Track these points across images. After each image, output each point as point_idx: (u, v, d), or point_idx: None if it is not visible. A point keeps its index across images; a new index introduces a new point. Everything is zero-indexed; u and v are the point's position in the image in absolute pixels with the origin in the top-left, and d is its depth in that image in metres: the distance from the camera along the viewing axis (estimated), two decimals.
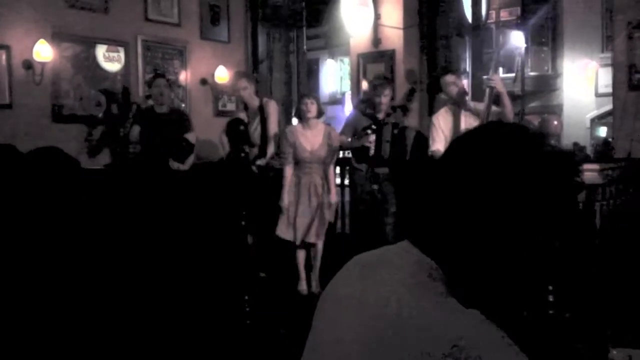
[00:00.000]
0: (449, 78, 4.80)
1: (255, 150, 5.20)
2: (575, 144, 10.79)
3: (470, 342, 0.76)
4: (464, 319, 0.80)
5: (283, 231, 4.82)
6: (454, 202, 0.90)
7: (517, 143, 0.90)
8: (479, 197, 0.87)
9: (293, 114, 6.83)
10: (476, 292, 0.89)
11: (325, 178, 4.84)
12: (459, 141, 0.97)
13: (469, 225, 0.88)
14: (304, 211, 4.75)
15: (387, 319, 0.84)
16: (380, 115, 5.02)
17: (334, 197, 4.87)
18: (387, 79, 5.31)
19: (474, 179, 0.88)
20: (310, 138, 4.77)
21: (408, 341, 0.79)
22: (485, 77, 4.74)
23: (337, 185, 5.42)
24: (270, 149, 5.16)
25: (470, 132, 0.98)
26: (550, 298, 2.87)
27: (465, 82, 6.70)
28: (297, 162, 4.80)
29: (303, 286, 4.88)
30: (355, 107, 5.94)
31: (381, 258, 0.96)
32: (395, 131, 5.02)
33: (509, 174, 0.87)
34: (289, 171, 4.80)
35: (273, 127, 5.18)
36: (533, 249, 0.89)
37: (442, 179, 0.93)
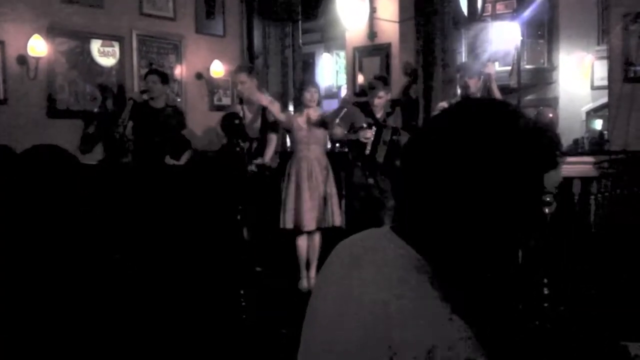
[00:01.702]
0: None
1: (255, 145, 5.16)
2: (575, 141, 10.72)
3: (444, 352, 0.76)
4: (443, 326, 0.79)
5: (287, 221, 4.76)
6: (431, 185, 0.87)
7: (493, 119, 0.87)
8: (455, 177, 0.85)
9: (293, 97, 6.91)
10: (461, 283, 0.88)
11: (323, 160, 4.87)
12: (434, 120, 0.94)
13: (447, 208, 0.86)
14: (306, 198, 4.74)
15: (374, 319, 0.83)
16: (378, 115, 5.00)
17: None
18: (384, 81, 5.24)
19: (448, 158, 0.85)
20: (307, 120, 4.86)
21: (389, 342, 0.79)
22: (478, 64, 4.75)
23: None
24: (270, 150, 5.14)
25: (446, 110, 0.94)
26: (545, 291, 2.88)
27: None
28: (295, 145, 4.89)
29: (304, 284, 4.86)
30: (346, 99, 5.93)
31: (367, 249, 0.95)
32: (395, 137, 4.94)
33: (485, 152, 0.84)
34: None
35: (275, 127, 5.17)
36: (514, 233, 0.87)
37: (417, 162, 0.90)
